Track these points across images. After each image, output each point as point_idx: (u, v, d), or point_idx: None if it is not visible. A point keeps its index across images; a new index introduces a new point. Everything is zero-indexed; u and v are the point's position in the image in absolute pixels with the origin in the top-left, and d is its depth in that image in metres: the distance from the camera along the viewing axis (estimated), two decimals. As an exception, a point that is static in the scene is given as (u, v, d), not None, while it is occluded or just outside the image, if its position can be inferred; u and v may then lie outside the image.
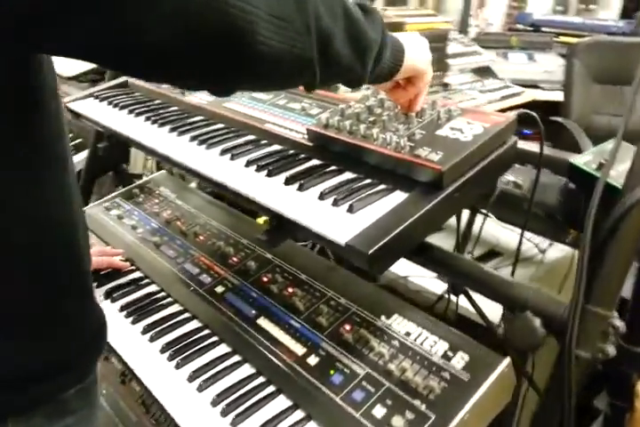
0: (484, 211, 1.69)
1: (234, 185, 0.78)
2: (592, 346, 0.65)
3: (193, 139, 0.96)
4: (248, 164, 0.83)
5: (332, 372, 0.82)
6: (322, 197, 0.71)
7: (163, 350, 0.92)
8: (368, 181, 0.75)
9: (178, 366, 0.89)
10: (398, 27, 2.42)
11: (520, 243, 0.99)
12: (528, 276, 1.25)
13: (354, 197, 0.70)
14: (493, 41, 3.52)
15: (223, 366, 0.88)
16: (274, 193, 0.75)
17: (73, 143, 1.85)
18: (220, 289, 1.01)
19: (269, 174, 0.79)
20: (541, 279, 1.26)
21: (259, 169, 0.80)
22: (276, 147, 0.91)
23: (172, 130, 1.02)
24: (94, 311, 0.67)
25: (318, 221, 0.66)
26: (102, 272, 1.15)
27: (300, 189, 0.74)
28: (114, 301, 1.07)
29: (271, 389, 0.84)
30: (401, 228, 0.60)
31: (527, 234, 1.21)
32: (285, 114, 0.94)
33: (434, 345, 0.83)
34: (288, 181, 0.76)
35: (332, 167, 0.80)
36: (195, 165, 0.86)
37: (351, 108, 0.83)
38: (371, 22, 0.58)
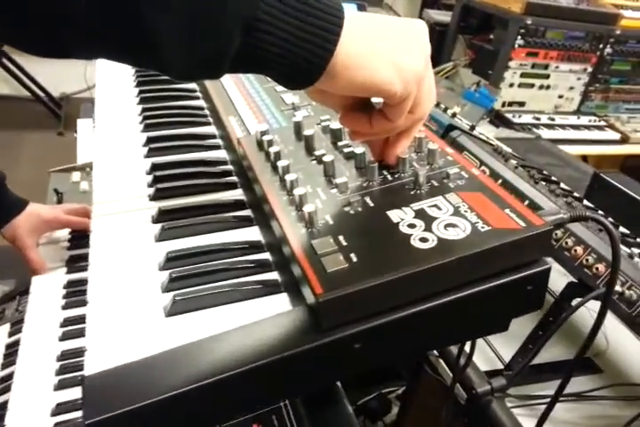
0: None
1: (99, 197, 0.52)
2: None
3: (144, 110, 0.71)
4: (151, 170, 0.55)
5: None
6: (165, 264, 0.41)
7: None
8: (263, 256, 0.43)
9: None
10: (611, 19, 1.88)
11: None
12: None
13: (202, 284, 0.38)
14: None
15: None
16: (124, 230, 0.47)
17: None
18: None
19: (154, 197, 0.50)
20: None
21: (154, 182, 0.52)
22: (218, 153, 0.60)
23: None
24: None
25: (101, 314, 0.38)
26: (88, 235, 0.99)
27: (160, 238, 0.45)
28: (69, 271, 0.91)
29: None
30: (179, 391, 0.30)
31: None
32: (267, 108, 0.62)
33: None
34: (158, 218, 0.47)
35: (243, 213, 0.48)
36: (99, 138, 0.62)
37: (319, 124, 0.50)
38: None
